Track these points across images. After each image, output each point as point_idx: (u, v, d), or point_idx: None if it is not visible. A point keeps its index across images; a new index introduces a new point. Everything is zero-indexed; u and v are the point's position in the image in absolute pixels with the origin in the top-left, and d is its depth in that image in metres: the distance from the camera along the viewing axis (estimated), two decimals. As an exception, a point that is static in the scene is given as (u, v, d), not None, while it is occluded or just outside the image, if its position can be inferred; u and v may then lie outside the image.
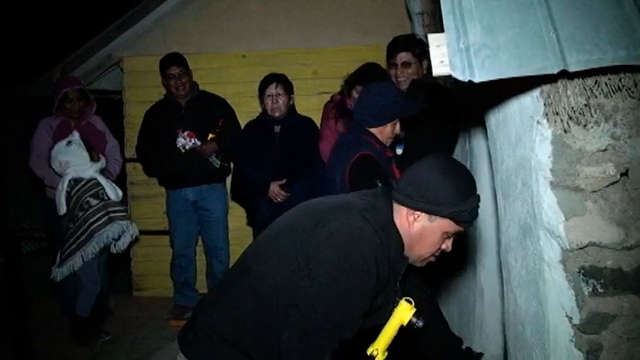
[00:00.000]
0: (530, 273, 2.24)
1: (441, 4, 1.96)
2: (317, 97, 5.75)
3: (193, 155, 5.30)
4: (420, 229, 2.24)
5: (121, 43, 6.48)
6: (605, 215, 1.99)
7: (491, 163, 2.73)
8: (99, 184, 4.98)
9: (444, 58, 1.85)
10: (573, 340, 2.06)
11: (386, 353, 2.31)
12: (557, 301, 2.08)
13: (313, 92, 5.52)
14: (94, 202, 4.94)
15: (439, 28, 4.81)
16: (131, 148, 6.19)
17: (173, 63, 5.35)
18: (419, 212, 2.22)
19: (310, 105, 5.60)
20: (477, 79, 1.77)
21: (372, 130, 3.43)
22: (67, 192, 4.95)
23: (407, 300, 2.33)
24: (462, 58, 1.82)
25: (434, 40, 1.89)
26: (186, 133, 5.28)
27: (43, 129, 5.27)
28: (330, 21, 6.36)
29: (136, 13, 6.41)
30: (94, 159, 5.00)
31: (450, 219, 2.21)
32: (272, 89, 4.84)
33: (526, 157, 2.15)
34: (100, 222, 4.93)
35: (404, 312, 2.32)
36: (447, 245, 2.31)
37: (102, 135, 5.47)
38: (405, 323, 2.31)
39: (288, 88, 4.94)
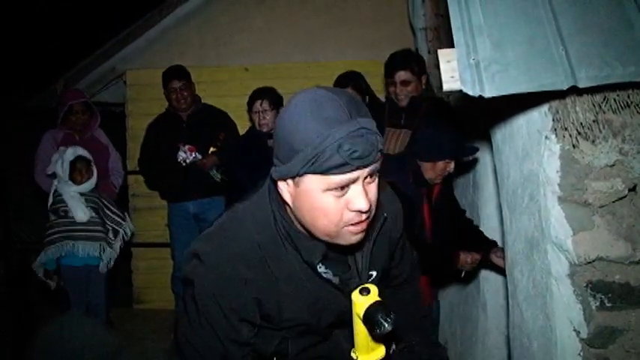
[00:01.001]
0: (537, 287, 2.24)
1: (451, 19, 1.98)
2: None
3: (194, 169, 5.30)
4: (293, 202, 1.71)
5: (125, 56, 6.51)
6: (613, 230, 2.00)
7: (496, 177, 2.74)
8: (62, 201, 4.99)
9: (454, 73, 1.86)
10: (581, 354, 2.07)
11: (379, 348, 1.95)
12: (565, 315, 2.09)
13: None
14: (52, 217, 5.01)
15: (443, 43, 4.86)
16: (133, 161, 6.20)
17: (175, 77, 5.36)
18: (280, 183, 1.72)
19: (312, 118, 5.62)
20: (487, 94, 1.79)
21: (424, 164, 3.34)
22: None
23: (361, 289, 1.82)
24: (472, 73, 1.83)
25: (444, 55, 1.91)
26: (187, 147, 5.28)
27: (47, 142, 5.29)
28: (332, 35, 6.40)
29: (139, 27, 6.44)
30: (76, 181, 4.98)
31: (310, 174, 1.59)
32: (257, 106, 4.86)
33: (534, 171, 2.16)
34: (50, 238, 4.96)
35: (356, 305, 1.82)
36: (354, 203, 1.62)
37: (105, 148, 5.48)
38: (361, 316, 1.78)
39: (275, 103, 4.92)
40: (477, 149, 3.41)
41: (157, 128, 5.49)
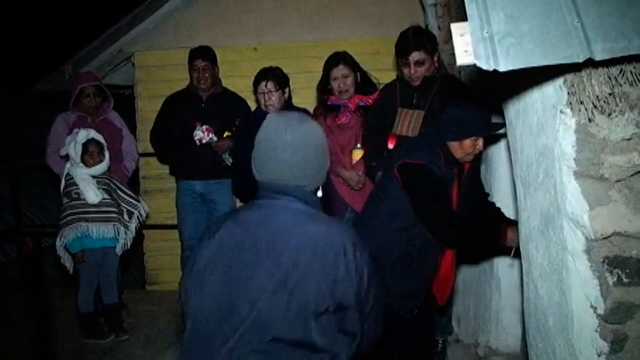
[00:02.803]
0: (552, 263, 2.22)
1: (464, -8, 1.94)
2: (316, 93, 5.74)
3: (207, 149, 5.29)
4: None
5: (132, 38, 6.49)
6: (630, 204, 1.98)
7: (509, 152, 2.71)
8: (74, 183, 5.01)
9: (467, 47, 1.83)
10: (598, 330, 2.05)
11: None
12: (581, 291, 2.07)
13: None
14: (65, 200, 5.05)
15: (453, 19, 4.81)
16: (143, 143, 6.20)
17: (199, 56, 5.35)
18: None
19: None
20: (501, 68, 1.76)
21: (451, 144, 3.25)
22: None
23: None
24: (485, 46, 1.80)
25: (457, 29, 1.87)
26: (204, 127, 5.26)
27: (60, 125, 5.29)
28: (341, 13, 6.35)
29: (147, 8, 6.41)
30: (87, 164, 4.99)
31: None
32: (262, 87, 4.79)
33: (549, 146, 2.14)
34: (65, 220, 4.98)
35: None
36: None
37: (119, 131, 5.48)
38: None
39: (281, 83, 4.86)
40: (504, 125, 2.98)
41: (176, 104, 5.48)
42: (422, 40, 4.07)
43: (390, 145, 4.17)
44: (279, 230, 2.11)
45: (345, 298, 2.02)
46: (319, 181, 2.29)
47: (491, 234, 3.28)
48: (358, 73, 4.68)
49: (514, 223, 3.38)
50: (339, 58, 4.66)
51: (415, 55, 4.05)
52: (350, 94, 4.61)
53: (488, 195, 3.75)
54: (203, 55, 5.36)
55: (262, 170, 2.23)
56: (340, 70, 4.61)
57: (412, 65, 4.07)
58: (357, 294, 2.05)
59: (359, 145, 4.62)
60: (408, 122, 4.13)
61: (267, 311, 1.99)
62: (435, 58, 4.16)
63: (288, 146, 2.17)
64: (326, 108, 4.72)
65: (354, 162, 4.62)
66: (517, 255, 3.25)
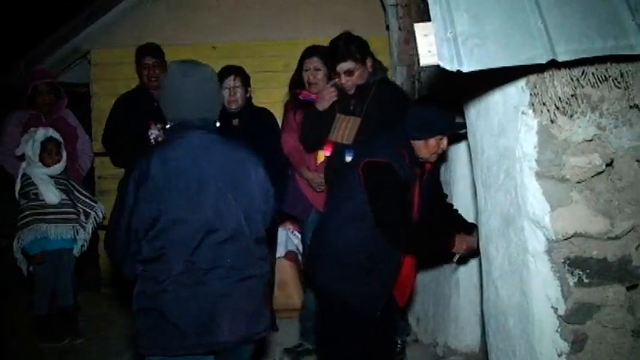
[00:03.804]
0: (513, 264, 2.23)
1: (428, -8, 1.94)
2: (287, 89, 5.71)
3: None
4: None
5: (89, 35, 6.36)
6: (591, 205, 1.99)
7: (469, 153, 2.72)
8: (32, 184, 4.92)
9: (431, 47, 1.83)
10: (559, 330, 2.07)
11: None
12: (542, 292, 2.09)
13: (284, 84, 5.43)
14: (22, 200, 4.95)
15: (413, 19, 4.82)
16: (99, 142, 6.06)
17: (148, 53, 5.26)
18: None
19: (281, 97, 5.53)
20: (465, 69, 1.76)
21: (416, 143, 3.22)
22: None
23: None
24: (449, 47, 1.80)
25: (421, 29, 1.86)
26: (159, 125, 5.18)
27: (12, 123, 5.19)
28: (302, 12, 6.32)
29: (103, 5, 6.30)
30: (45, 163, 4.89)
31: None
32: (230, 82, 4.73)
33: (510, 147, 2.15)
34: (23, 221, 4.89)
35: None
36: None
37: (73, 130, 5.38)
38: None
39: (246, 81, 4.84)
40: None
41: (127, 104, 5.37)
42: (350, 50, 4.00)
43: (327, 152, 4.21)
44: (204, 155, 2.70)
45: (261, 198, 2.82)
46: (216, 114, 2.88)
47: (441, 241, 3.31)
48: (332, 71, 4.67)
49: (471, 225, 3.41)
50: (313, 51, 4.61)
51: (344, 66, 4.00)
52: (319, 89, 4.57)
53: (446, 196, 3.75)
54: (152, 52, 5.27)
55: (172, 111, 2.79)
56: (313, 62, 4.56)
57: (342, 75, 4.03)
58: (265, 194, 2.85)
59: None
60: (344, 128, 4.12)
61: (222, 210, 2.67)
62: (369, 64, 4.10)
63: (190, 87, 2.74)
64: (297, 103, 4.68)
65: (318, 163, 4.58)
66: (460, 262, 3.39)
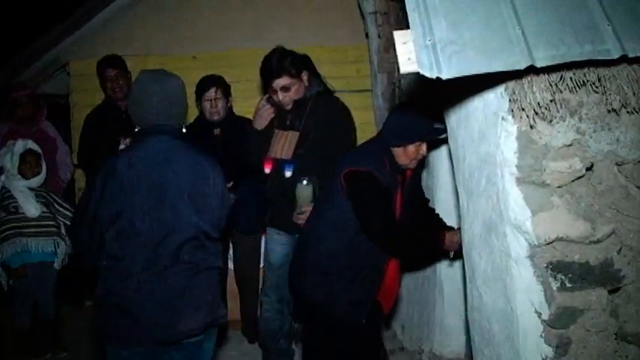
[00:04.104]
0: (496, 269, 2.24)
1: (406, 0, 1.94)
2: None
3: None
4: None
5: (68, 46, 6.34)
6: (572, 210, 2.00)
7: (451, 160, 2.72)
8: (12, 197, 4.88)
9: (410, 55, 1.83)
10: (542, 335, 2.07)
11: None
12: (526, 297, 2.09)
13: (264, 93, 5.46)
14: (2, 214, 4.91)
15: (392, 27, 4.84)
16: (79, 154, 6.05)
17: (109, 65, 5.23)
18: None
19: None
20: (444, 76, 1.76)
21: (395, 150, 3.23)
22: None
23: None
24: (428, 54, 1.80)
25: (400, 36, 1.86)
26: (128, 140, 5.14)
27: (-9, 137, 5.13)
28: (282, 21, 6.32)
29: (82, 16, 6.28)
30: (25, 175, 4.85)
31: None
32: (211, 94, 4.76)
33: (491, 153, 2.15)
34: (3, 235, 4.86)
35: None
36: None
37: (53, 141, 5.35)
38: None
39: (227, 91, 4.87)
40: (444, 130, 3.03)
41: (98, 119, 5.32)
42: (284, 66, 3.90)
43: (267, 169, 4.11)
44: (167, 160, 2.90)
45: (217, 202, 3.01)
46: (182, 121, 3.11)
47: (431, 241, 3.31)
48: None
49: (454, 230, 3.41)
50: (280, 70, 4.59)
51: (280, 82, 3.91)
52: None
53: (428, 201, 3.76)
54: (112, 64, 5.25)
55: (139, 117, 3.01)
56: (282, 81, 4.57)
57: (279, 92, 3.94)
58: (222, 198, 3.05)
59: None
60: (282, 144, 4.04)
61: (181, 213, 2.87)
62: (304, 78, 4.00)
63: (156, 94, 2.94)
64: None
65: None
66: (457, 257, 3.31)
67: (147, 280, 2.81)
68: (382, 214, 3.20)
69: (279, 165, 4.02)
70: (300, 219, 3.77)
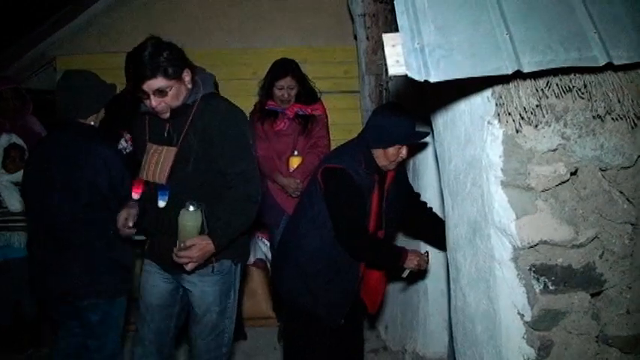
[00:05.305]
0: (480, 271, 2.26)
1: (395, 3, 1.96)
2: (256, 97, 5.70)
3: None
4: None
5: (55, 42, 6.31)
6: (556, 214, 2.02)
7: (437, 162, 2.74)
8: None
9: (399, 57, 1.84)
10: (525, 336, 2.10)
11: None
12: (509, 299, 2.11)
13: (252, 93, 5.44)
14: None
15: (381, 29, 4.86)
16: (65, 150, 6.02)
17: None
18: None
19: (250, 105, 5.52)
20: (432, 79, 1.78)
21: (375, 151, 3.25)
22: None
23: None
24: (416, 57, 1.82)
25: (389, 39, 1.88)
26: (128, 136, 5.14)
27: (-25, 130, 5.09)
28: (270, 21, 6.33)
29: (70, 11, 6.24)
30: (9, 170, 4.83)
31: None
32: None
33: (476, 156, 2.17)
34: None
35: None
36: None
37: (39, 136, 5.29)
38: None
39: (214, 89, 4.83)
40: (428, 133, 3.11)
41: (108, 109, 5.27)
42: (159, 63, 2.98)
43: (135, 195, 3.28)
44: (62, 152, 3.41)
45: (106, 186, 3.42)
46: (85, 115, 3.50)
47: (392, 256, 3.34)
48: (302, 84, 4.70)
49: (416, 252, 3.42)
50: (287, 70, 4.65)
51: (153, 84, 2.97)
52: (291, 104, 4.63)
53: (419, 195, 3.76)
54: None
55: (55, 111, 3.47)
56: (287, 81, 4.62)
57: (152, 96, 3.01)
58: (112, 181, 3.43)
59: (296, 152, 4.63)
60: (155, 162, 3.14)
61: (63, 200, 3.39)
62: (187, 78, 3.10)
63: (61, 90, 3.45)
64: (264, 113, 4.69)
65: (291, 169, 4.63)
66: (410, 276, 3.45)
67: (39, 254, 3.56)
68: (349, 214, 3.22)
69: (150, 191, 3.19)
70: (183, 258, 2.95)
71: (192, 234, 2.97)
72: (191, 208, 2.96)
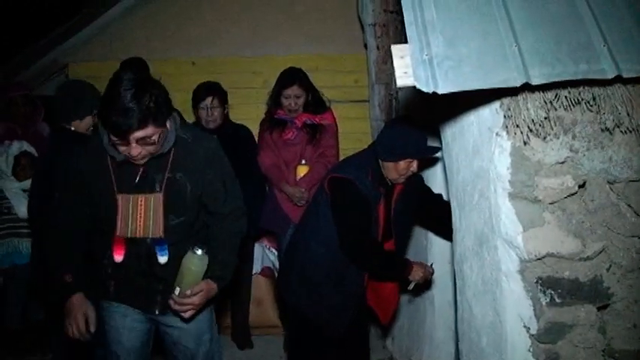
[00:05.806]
0: (486, 283, 2.25)
1: (404, 14, 1.96)
2: (267, 106, 5.73)
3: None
4: None
5: (67, 49, 6.32)
6: (563, 226, 2.02)
7: (445, 173, 2.74)
8: (5, 197, 4.91)
9: (407, 69, 1.85)
10: (531, 349, 2.09)
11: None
12: (515, 311, 2.10)
13: (263, 101, 5.43)
14: None
15: (391, 39, 4.86)
16: (76, 156, 6.04)
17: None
18: None
19: (260, 114, 5.53)
20: (440, 91, 1.78)
21: (386, 164, 3.23)
22: None
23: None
24: (425, 69, 1.83)
25: (397, 50, 1.89)
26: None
27: (-13, 137, 5.14)
28: (281, 29, 6.33)
29: (82, 19, 6.27)
30: (19, 177, 4.87)
31: None
32: (208, 102, 4.68)
33: (484, 168, 2.17)
34: None
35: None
36: None
37: (50, 143, 5.34)
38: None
39: (223, 99, 4.80)
40: (440, 148, 2.90)
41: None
42: (147, 108, 2.46)
43: (118, 258, 2.77)
44: (51, 155, 3.65)
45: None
46: (71, 121, 3.68)
47: (398, 266, 3.32)
48: (310, 94, 4.69)
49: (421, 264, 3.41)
50: (294, 79, 4.65)
51: (139, 135, 2.48)
52: (299, 113, 4.63)
53: (441, 196, 3.69)
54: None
55: None
56: (294, 90, 4.62)
57: (132, 144, 2.51)
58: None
59: (304, 162, 4.63)
60: (144, 215, 2.72)
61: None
62: (169, 124, 2.66)
63: (57, 99, 3.75)
64: (273, 122, 4.70)
65: (298, 178, 4.63)
66: (416, 287, 3.42)
67: None
68: (353, 224, 3.22)
69: (142, 249, 2.79)
70: (186, 306, 2.68)
71: (198, 279, 2.71)
72: (199, 252, 2.69)
